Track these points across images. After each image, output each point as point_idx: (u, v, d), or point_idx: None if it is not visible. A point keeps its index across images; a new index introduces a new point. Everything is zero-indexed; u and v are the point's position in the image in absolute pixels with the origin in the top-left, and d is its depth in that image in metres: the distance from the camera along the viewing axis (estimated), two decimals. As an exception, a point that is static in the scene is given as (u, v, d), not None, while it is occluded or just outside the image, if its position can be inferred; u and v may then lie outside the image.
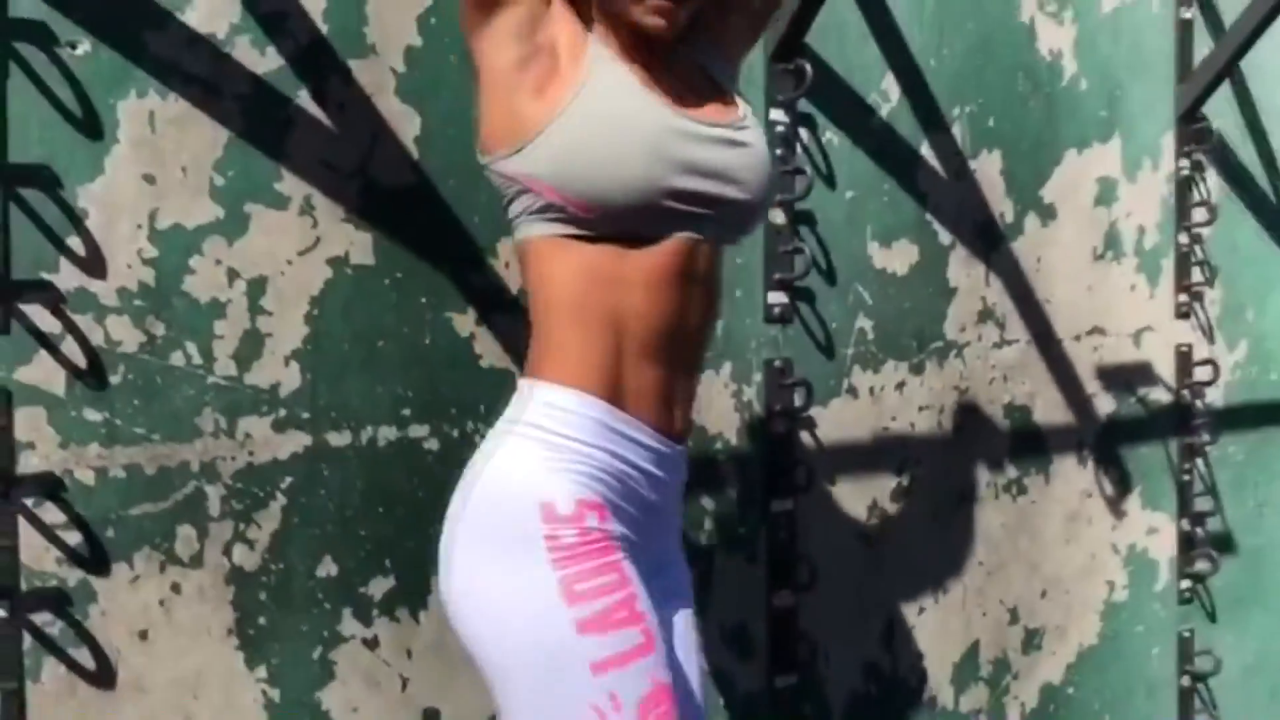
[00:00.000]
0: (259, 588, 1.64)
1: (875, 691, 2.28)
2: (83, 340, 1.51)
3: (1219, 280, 2.82)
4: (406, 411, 1.75)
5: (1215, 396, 2.83)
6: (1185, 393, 2.78)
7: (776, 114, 2.07)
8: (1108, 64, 2.57)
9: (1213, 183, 2.79)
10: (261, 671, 1.64)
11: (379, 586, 1.73)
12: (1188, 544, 2.81)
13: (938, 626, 2.36)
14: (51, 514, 1.49)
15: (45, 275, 1.49)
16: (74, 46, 1.49)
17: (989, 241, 2.41)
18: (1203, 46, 2.73)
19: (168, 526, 1.57)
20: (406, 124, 1.73)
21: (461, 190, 1.77)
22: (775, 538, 2.12)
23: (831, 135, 2.17)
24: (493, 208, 1.80)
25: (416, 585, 1.76)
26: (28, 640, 1.48)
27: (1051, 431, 2.55)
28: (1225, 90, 2.78)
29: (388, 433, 1.73)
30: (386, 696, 1.73)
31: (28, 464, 1.48)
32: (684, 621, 1.39)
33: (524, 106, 1.24)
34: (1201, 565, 2.81)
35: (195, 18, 1.57)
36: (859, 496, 2.24)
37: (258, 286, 1.63)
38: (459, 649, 1.76)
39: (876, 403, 2.26)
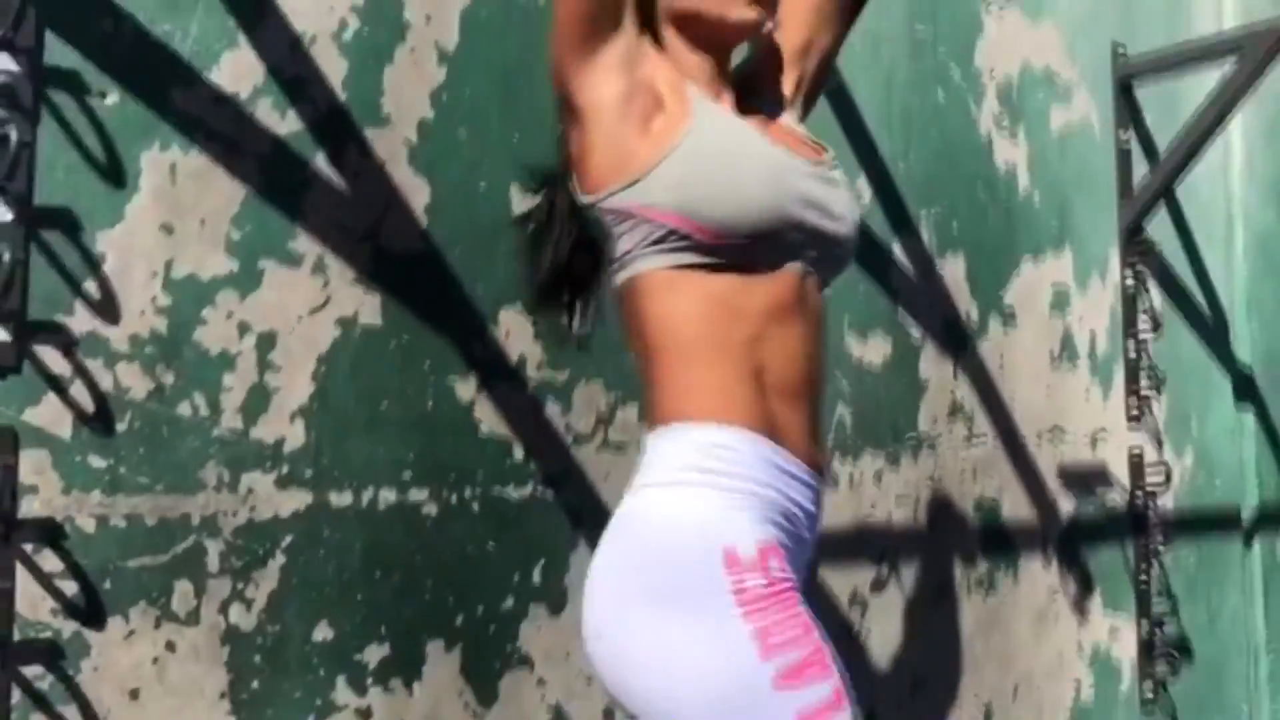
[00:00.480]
0: (253, 650, 1.59)
1: (858, 787, 2.24)
2: (92, 385, 1.49)
3: (1165, 389, 2.94)
4: (407, 475, 1.74)
5: (1167, 501, 2.92)
6: (1139, 496, 2.86)
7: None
8: (1057, 180, 2.73)
9: (1157, 296, 2.94)
10: (253, 739, 1.57)
11: (373, 654, 1.68)
12: (1148, 647, 2.85)
13: (917, 721, 2.35)
14: (50, 561, 1.44)
15: (60, 317, 1.47)
16: (104, 96, 1.51)
17: (956, 340, 2.50)
18: (1142, 169, 2.92)
19: (165, 581, 1.53)
20: (417, 193, 1.77)
21: (467, 259, 1.81)
22: (761, 622, 2.11)
23: (811, 229, 2.25)
24: (496, 278, 1.84)
25: (410, 654, 1.72)
26: (16, 694, 1.41)
27: (1018, 529, 2.60)
28: (1165, 210, 2.96)
29: (387, 495, 1.72)
30: (378, 771, 1.67)
31: (29, 508, 1.43)
32: None
33: (632, 140, 1.25)
34: (1161, 669, 2.85)
35: (221, 77, 1.61)
36: (842, 585, 2.25)
37: (267, 341, 1.63)
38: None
39: (856, 492, 2.29)
